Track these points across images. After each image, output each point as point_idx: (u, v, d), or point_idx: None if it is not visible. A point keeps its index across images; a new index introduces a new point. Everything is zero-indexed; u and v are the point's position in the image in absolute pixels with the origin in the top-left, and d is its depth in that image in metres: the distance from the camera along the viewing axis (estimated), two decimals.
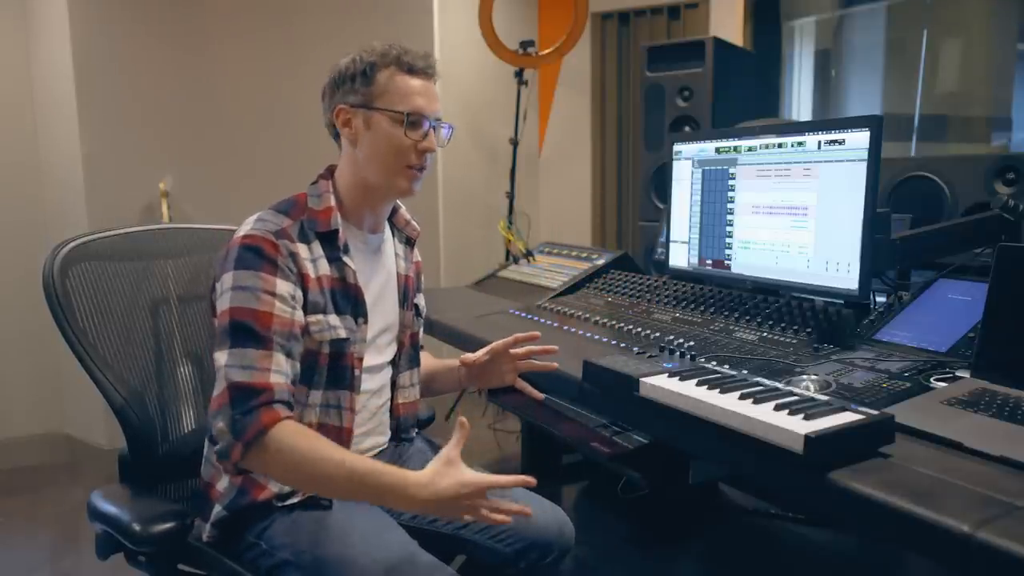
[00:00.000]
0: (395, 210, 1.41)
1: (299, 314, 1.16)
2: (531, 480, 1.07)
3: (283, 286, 1.14)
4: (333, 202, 1.25)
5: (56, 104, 3.01)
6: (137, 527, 1.10)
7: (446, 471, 1.05)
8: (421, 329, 1.54)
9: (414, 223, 1.45)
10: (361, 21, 3.47)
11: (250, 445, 1.06)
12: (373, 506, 1.26)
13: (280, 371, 1.12)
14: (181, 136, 3.16)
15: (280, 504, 1.19)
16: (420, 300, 1.48)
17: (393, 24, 3.57)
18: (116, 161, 3.01)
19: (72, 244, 1.31)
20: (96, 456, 3.09)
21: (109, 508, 1.17)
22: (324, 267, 1.22)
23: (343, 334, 1.22)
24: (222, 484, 1.22)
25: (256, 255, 1.14)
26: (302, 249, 1.19)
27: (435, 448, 1.46)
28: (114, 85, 3.00)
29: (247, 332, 1.11)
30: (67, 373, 3.14)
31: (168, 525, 1.11)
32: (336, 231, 1.23)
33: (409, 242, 1.45)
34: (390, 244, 1.40)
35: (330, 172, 1.30)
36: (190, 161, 3.17)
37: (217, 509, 1.21)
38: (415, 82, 1.23)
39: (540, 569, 1.36)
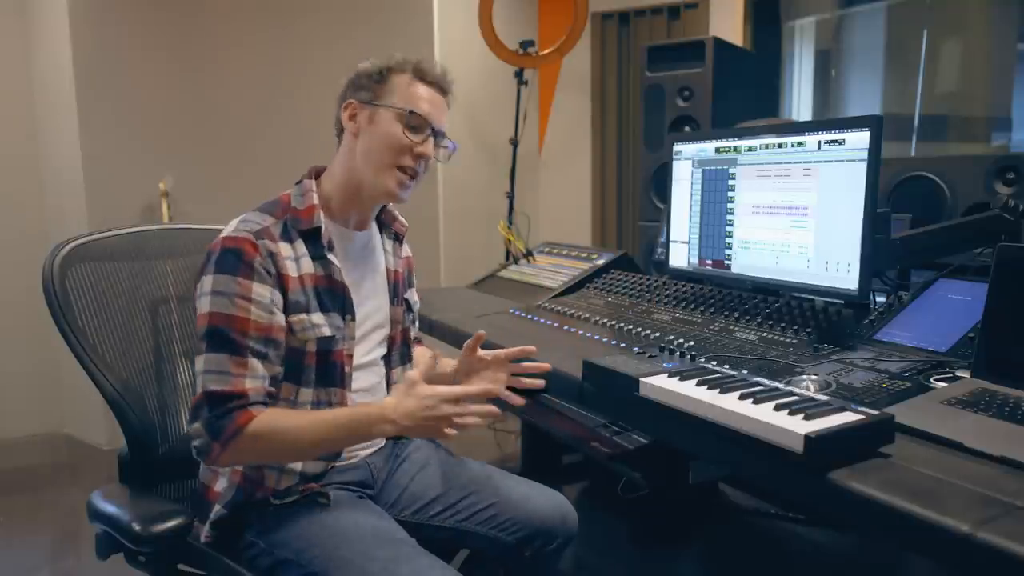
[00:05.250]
0: (382, 207, 1.41)
1: (278, 318, 1.16)
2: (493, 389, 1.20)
3: (259, 290, 1.15)
4: (316, 200, 1.25)
5: (56, 104, 3.01)
6: (137, 527, 1.10)
7: (410, 391, 1.14)
8: (416, 325, 1.53)
9: (401, 219, 1.45)
10: (361, 21, 3.47)
11: (227, 443, 1.10)
12: (372, 504, 1.27)
13: (255, 376, 1.13)
14: (181, 136, 3.16)
15: (278, 503, 1.19)
16: (411, 295, 1.48)
17: (393, 24, 3.57)
18: (116, 161, 3.01)
19: (71, 244, 1.31)
20: (96, 456, 3.09)
21: (109, 508, 1.17)
22: (308, 265, 1.22)
23: (327, 332, 1.22)
24: (220, 485, 1.22)
25: (235, 258, 1.14)
26: (284, 248, 1.19)
27: (431, 444, 1.47)
28: (114, 85, 3.00)
29: (222, 338, 1.12)
30: (67, 373, 3.15)
31: (167, 525, 1.11)
32: (319, 228, 1.23)
33: (397, 238, 1.45)
34: (378, 240, 1.40)
35: (313, 173, 1.31)
36: (190, 161, 3.17)
37: (217, 509, 1.21)
38: (426, 90, 1.26)
39: (544, 556, 1.36)
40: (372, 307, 1.34)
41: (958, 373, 1.24)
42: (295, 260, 1.20)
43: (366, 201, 1.30)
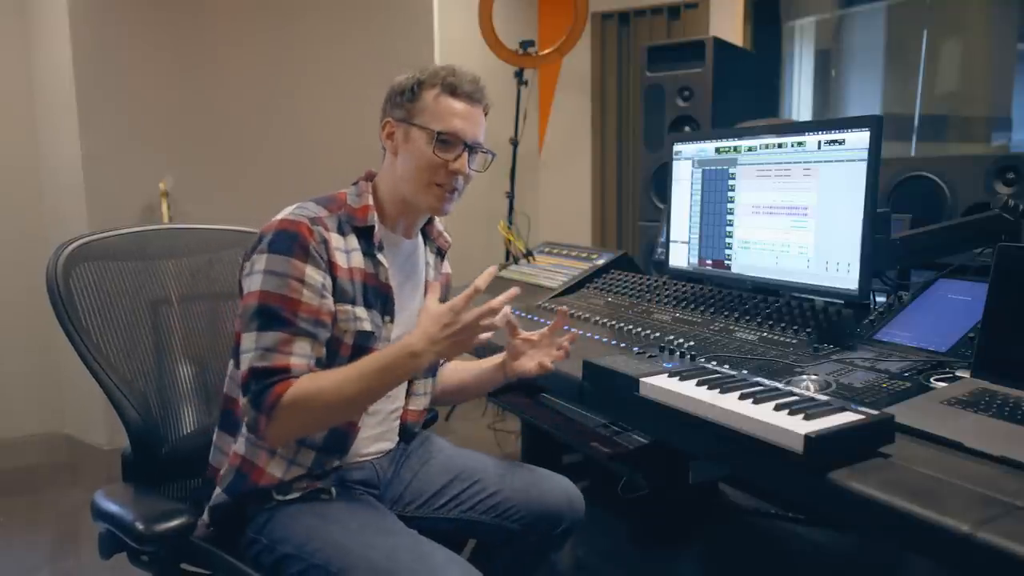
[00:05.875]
0: (429, 220, 1.42)
1: (328, 302, 1.18)
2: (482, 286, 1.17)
3: (313, 274, 1.16)
4: (371, 201, 1.28)
5: (56, 104, 3.01)
6: (140, 526, 1.10)
7: (423, 316, 1.16)
8: None
9: (446, 235, 1.47)
10: (362, 21, 3.47)
11: (271, 413, 1.10)
12: (373, 500, 1.28)
13: (301, 355, 1.14)
14: (181, 136, 3.16)
15: (280, 498, 1.20)
16: None
17: (394, 24, 3.57)
18: (116, 161, 3.01)
19: (75, 244, 1.31)
20: (96, 456, 3.09)
21: (112, 507, 1.17)
22: (358, 260, 1.24)
23: (368, 327, 1.23)
24: (224, 468, 1.24)
25: (290, 240, 1.16)
26: (336, 239, 1.21)
27: (435, 439, 1.47)
28: (114, 85, 3.00)
29: (274, 317, 1.13)
30: (67, 373, 3.15)
31: (170, 524, 1.11)
32: (372, 227, 1.25)
33: (440, 253, 1.46)
34: (422, 252, 1.41)
35: (369, 176, 1.33)
36: (190, 161, 3.17)
37: (216, 492, 1.23)
38: (457, 104, 1.26)
39: (552, 539, 1.37)
40: (409, 316, 1.34)
41: (958, 373, 1.24)
42: (346, 252, 1.22)
43: (413, 213, 1.32)
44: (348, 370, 1.16)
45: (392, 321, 1.28)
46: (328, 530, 1.15)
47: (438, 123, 1.25)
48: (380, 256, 1.26)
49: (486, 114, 1.32)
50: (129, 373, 1.30)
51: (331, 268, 1.19)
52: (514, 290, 1.19)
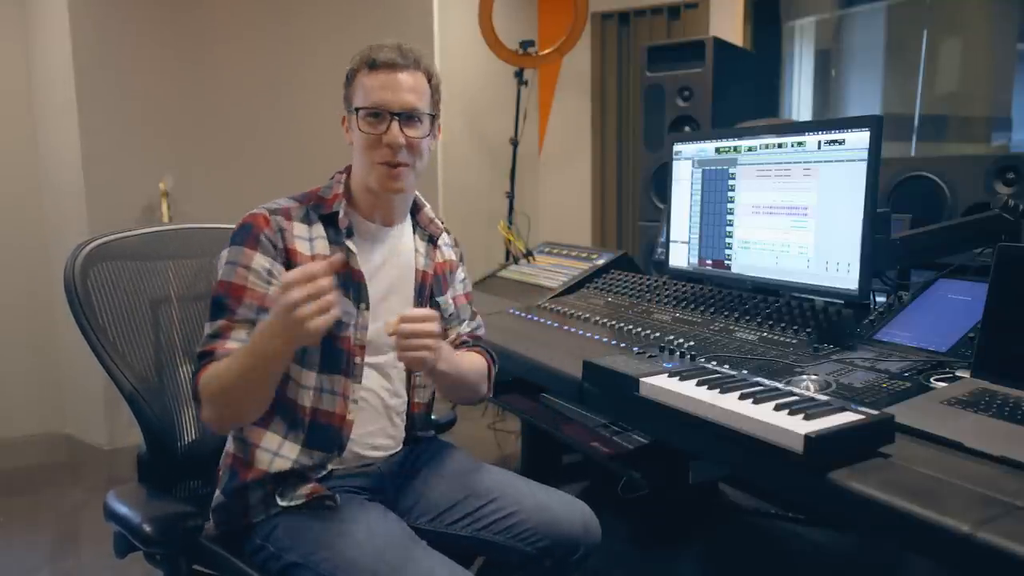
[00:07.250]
0: (419, 208, 1.41)
1: (274, 289, 1.16)
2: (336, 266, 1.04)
3: (260, 261, 1.19)
4: (342, 191, 1.29)
5: (56, 104, 3.01)
6: (147, 528, 1.10)
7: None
8: (476, 328, 1.50)
9: (438, 222, 1.43)
10: (361, 21, 3.48)
11: (196, 398, 1.14)
12: (381, 507, 1.26)
13: (238, 340, 1.16)
14: (181, 136, 3.16)
15: (285, 504, 1.19)
16: (444, 299, 1.43)
17: (393, 24, 3.57)
18: (116, 161, 3.01)
19: (93, 244, 1.32)
20: (96, 456, 3.09)
21: (121, 509, 1.17)
22: (323, 247, 1.24)
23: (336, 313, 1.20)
24: (223, 470, 1.25)
25: (246, 232, 1.20)
26: (298, 228, 1.23)
27: (450, 449, 1.45)
28: (114, 85, 3.00)
29: (219, 305, 1.18)
30: (67, 373, 3.14)
31: (177, 527, 1.11)
32: (336, 213, 1.25)
33: (432, 240, 1.43)
34: (409, 239, 1.38)
35: (348, 169, 1.34)
36: (190, 161, 3.17)
37: (216, 494, 1.24)
38: (380, 76, 1.23)
39: (568, 566, 1.34)
40: (395, 305, 1.31)
41: (958, 373, 1.24)
42: (308, 240, 1.24)
43: (381, 198, 1.30)
44: (232, 359, 1.11)
45: (368, 308, 1.27)
46: (335, 540, 1.14)
47: (362, 100, 1.24)
48: (349, 243, 1.25)
49: (429, 80, 1.27)
50: (145, 371, 1.31)
51: (288, 255, 1.21)
52: (338, 256, 1.09)
